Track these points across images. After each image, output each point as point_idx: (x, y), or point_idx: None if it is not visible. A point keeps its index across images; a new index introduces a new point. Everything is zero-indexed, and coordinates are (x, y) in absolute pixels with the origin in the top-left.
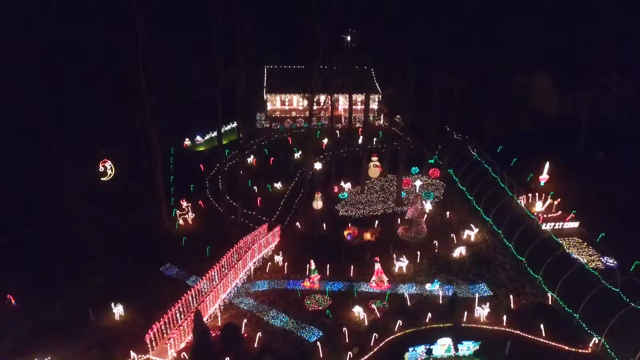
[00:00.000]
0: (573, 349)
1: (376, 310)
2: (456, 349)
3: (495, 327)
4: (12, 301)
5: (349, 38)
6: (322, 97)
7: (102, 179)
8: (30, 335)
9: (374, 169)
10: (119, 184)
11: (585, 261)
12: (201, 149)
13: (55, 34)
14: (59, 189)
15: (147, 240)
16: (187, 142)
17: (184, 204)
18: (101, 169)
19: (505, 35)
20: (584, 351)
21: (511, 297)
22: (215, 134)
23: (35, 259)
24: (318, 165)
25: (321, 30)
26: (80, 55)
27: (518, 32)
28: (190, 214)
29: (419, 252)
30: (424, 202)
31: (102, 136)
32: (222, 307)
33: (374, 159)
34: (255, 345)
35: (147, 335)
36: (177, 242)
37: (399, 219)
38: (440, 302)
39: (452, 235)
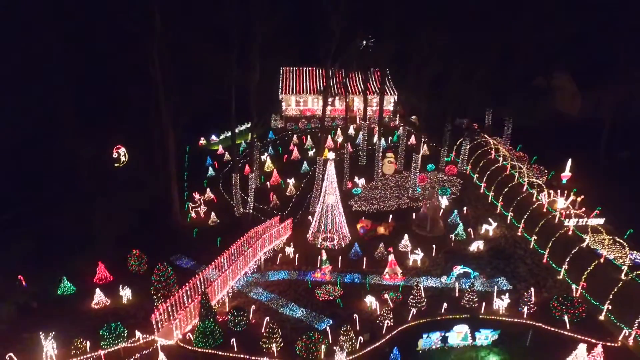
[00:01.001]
0: (601, 342)
1: (389, 301)
2: (473, 338)
3: (515, 320)
4: (23, 282)
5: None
6: (337, 98)
7: (115, 165)
8: (37, 313)
9: (389, 165)
10: (131, 172)
11: (613, 257)
12: (216, 147)
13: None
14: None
15: (158, 231)
16: (202, 141)
17: (197, 196)
18: (114, 155)
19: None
20: (613, 344)
21: (532, 289)
22: (229, 133)
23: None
24: (331, 155)
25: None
26: (99, 39)
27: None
28: (202, 207)
29: (434, 246)
30: (439, 197)
31: (117, 124)
32: (230, 295)
33: (389, 155)
34: (263, 330)
35: (152, 315)
36: (188, 234)
37: (413, 214)
38: (457, 294)
39: (469, 229)
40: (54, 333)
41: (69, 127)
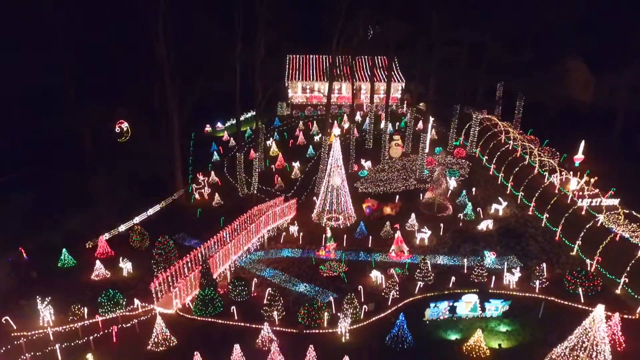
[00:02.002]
0: (619, 313)
1: (395, 276)
2: (483, 309)
3: (527, 294)
4: (24, 254)
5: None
6: (344, 85)
7: (118, 140)
8: (36, 283)
9: (396, 148)
10: (133, 145)
11: (628, 235)
12: (221, 134)
13: None
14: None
15: (161, 210)
16: (208, 128)
17: (201, 177)
18: (117, 129)
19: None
20: (631, 316)
21: (544, 265)
22: (235, 121)
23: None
24: (337, 131)
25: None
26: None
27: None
28: (206, 188)
29: (442, 224)
30: (447, 179)
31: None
32: (232, 270)
33: (396, 137)
34: (265, 301)
35: (152, 284)
36: (192, 215)
37: (421, 195)
38: (465, 271)
39: (478, 209)
40: (50, 298)
41: (70, 102)
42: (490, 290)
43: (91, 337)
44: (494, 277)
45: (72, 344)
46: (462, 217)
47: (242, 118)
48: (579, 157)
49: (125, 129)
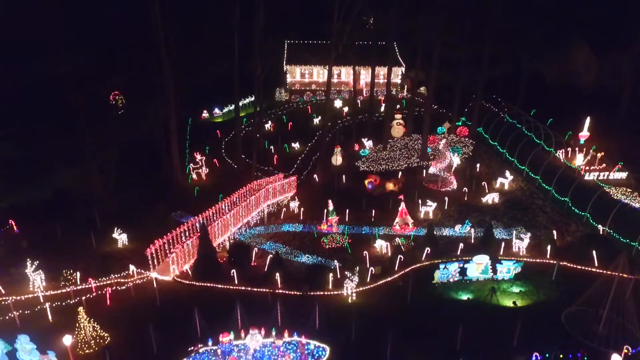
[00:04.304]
0: (633, 277)
1: (401, 246)
2: (494, 271)
3: (538, 260)
4: (15, 227)
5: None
6: (343, 70)
7: (112, 112)
8: (27, 252)
9: (398, 128)
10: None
11: (638, 205)
12: (219, 120)
13: None
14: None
15: (157, 190)
16: (205, 114)
17: (198, 156)
18: (112, 101)
19: None
20: None
21: (554, 232)
22: (233, 107)
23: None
24: (338, 103)
25: None
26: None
27: None
28: (204, 168)
29: (446, 198)
30: (451, 154)
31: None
32: (231, 241)
33: (398, 116)
34: (266, 269)
35: (147, 250)
36: (189, 194)
37: (424, 171)
38: (472, 242)
39: (483, 183)
40: (38, 262)
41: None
42: (499, 257)
43: (83, 298)
44: (503, 244)
45: (64, 303)
46: (466, 190)
47: (240, 104)
48: (584, 134)
49: (119, 100)
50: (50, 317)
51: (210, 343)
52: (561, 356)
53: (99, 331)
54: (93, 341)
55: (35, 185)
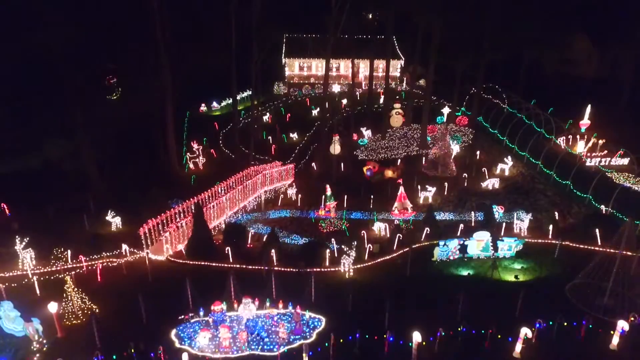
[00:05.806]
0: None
1: (400, 226)
2: (495, 249)
3: (539, 240)
4: (7, 211)
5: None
6: (342, 63)
7: (107, 97)
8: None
9: (397, 117)
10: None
11: None
12: (217, 113)
13: None
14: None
15: (154, 177)
16: (203, 107)
17: (195, 146)
18: (107, 86)
19: None
20: None
21: (556, 213)
22: (230, 100)
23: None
24: (337, 88)
25: None
26: None
27: None
28: (201, 157)
29: (446, 184)
30: (450, 142)
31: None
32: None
33: (397, 105)
34: (262, 247)
35: (140, 229)
36: (186, 182)
37: (423, 159)
38: (473, 225)
39: (483, 169)
40: (28, 239)
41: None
42: (500, 238)
43: (73, 273)
44: (504, 224)
45: (52, 277)
46: (466, 176)
47: (238, 97)
48: (585, 122)
49: (115, 85)
50: (38, 291)
51: (202, 314)
52: (565, 324)
53: (87, 303)
54: (81, 312)
55: (26, 157)
